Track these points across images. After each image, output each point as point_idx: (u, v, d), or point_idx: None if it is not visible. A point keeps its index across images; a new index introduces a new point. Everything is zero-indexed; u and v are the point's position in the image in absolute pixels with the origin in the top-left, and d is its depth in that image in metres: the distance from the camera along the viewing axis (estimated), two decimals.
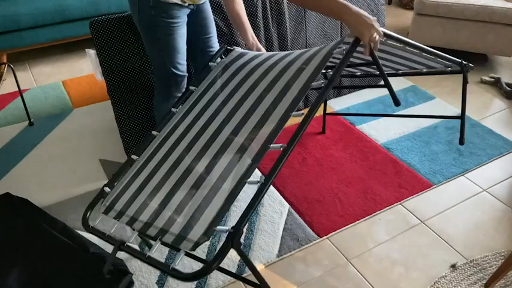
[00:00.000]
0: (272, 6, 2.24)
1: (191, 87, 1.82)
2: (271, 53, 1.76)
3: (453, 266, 1.71)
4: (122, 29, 1.93)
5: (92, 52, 2.36)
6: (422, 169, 2.18)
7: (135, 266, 1.70)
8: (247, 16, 2.19)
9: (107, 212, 1.65)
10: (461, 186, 2.10)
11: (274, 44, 2.31)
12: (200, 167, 1.60)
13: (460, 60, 1.78)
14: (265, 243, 1.81)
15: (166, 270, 1.26)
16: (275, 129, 1.39)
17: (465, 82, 1.81)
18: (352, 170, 2.18)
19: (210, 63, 1.88)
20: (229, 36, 2.17)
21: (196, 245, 1.34)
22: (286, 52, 1.69)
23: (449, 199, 2.03)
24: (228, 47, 1.90)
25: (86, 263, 1.60)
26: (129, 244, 1.44)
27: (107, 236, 1.54)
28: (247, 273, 1.69)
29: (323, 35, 2.46)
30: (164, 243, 1.38)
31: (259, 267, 1.72)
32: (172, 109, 1.74)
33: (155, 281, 1.66)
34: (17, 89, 2.48)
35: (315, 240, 1.83)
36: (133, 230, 1.51)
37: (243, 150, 1.48)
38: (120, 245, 1.48)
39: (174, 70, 1.75)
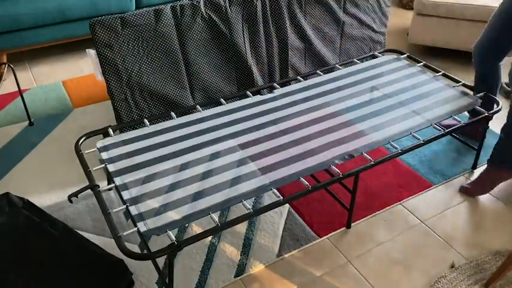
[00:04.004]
0: (272, 7, 2.24)
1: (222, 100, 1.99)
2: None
3: (452, 267, 1.71)
4: (121, 29, 1.93)
5: (92, 52, 2.36)
6: (422, 169, 2.18)
7: (135, 266, 1.70)
8: (246, 16, 2.19)
9: (100, 150, 1.74)
10: None
11: (274, 44, 2.31)
12: (202, 168, 1.65)
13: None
14: (265, 243, 1.81)
15: (114, 234, 1.36)
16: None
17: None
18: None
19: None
20: (230, 38, 2.17)
21: (149, 232, 1.39)
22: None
23: (449, 199, 2.03)
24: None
25: (86, 263, 1.61)
26: (100, 190, 1.55)
27: (88, 170, 1.63)
28: (247, 274, 1.69)
29: (323, 36, 2.46)
30: (127, 212, 1.45)
31: (259, 267, 1.72)
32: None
33: (155, 281, 1.66)
34: (17, 89, 2.48)
35: (315, 240, 1.83)
36: (113, 182, 1.58)
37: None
38: (94, 186, 1.55)
39: None
